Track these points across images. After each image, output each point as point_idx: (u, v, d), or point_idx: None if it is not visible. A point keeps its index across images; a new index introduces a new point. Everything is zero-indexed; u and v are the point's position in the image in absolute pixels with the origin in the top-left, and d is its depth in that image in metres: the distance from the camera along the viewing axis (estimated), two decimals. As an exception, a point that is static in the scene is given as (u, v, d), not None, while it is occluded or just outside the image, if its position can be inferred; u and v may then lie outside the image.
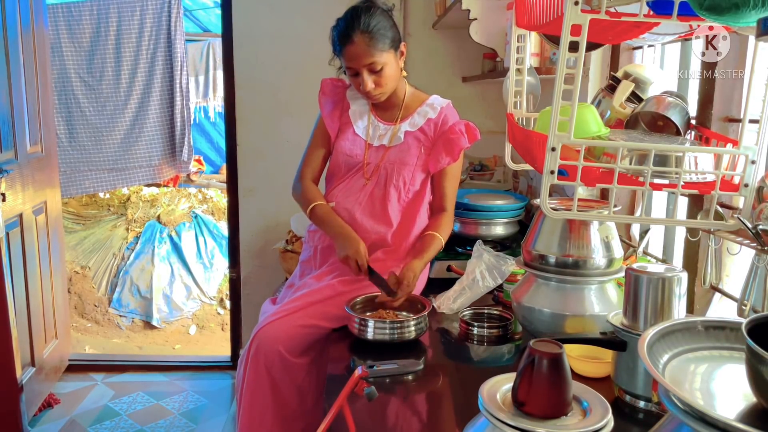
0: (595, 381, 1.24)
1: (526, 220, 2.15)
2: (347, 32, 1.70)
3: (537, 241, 1.40)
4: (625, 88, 1.41)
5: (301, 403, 1.71)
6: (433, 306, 1.65)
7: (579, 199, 1.18)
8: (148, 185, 4.58)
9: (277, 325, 1.65)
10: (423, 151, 1.85)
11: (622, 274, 1.35)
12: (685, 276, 1.11)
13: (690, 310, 1.44)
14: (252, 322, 3.15)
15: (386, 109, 1.89)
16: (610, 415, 0.84)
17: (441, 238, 1.79)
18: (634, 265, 1.14)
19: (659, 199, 1.86)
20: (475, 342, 1.53)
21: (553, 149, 1.04)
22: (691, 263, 1.50)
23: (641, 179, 1.09)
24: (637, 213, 1.87)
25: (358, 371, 1.15)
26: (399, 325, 1.48)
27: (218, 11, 3.90)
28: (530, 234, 1.44)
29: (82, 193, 4.26)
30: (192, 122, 4.48)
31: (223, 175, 4.20)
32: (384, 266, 1.76)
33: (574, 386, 0.87)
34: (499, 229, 2.14)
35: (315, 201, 1.84)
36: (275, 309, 1.73)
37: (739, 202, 1.19)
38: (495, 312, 1.61)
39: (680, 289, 1.10)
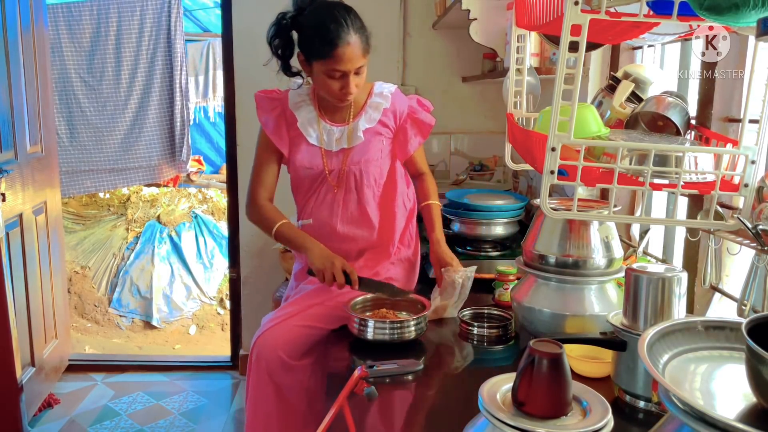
0: (595, 381, 1.24)
1: (526, 220, 2.15)
2: (340, 33, 1.59)
3: (537, 241, 1.40)
4: (625, 88, 1.41)
5: (310, 405, 1.71)
6: (432, 306, 1.64)
7: (579, 199, 1.18)
8: (148, 185, 4.58)
9: (275, 331, 1.65)
10: (385, 143, 1.82)
11: (622, 274, 1.35)
12: (685, 276, 1.11)
13: (690, 310, 1.44)
14: (252, 322, 3.16)
15: (335, 111, 1.79)
16: (610, 415, 0.84)
17: (438, 204, 1.92)
18: (634, 265, 1.14)
19: (659, 199, 1.86)
20: (475, 342, 1.53)
21: (553, 149, 1.04)
22: (691, 263, 1.50)
23: (641, 179, 1.09)
24: (637, 213, 1.87)
25: (358, 371, 1.15)
26: (399, 325, 1.48)
27: (218, 11, 3.89)
28: (530, 234, 1.44)
29: (82, 193, 4.26)
30: (192, 122, 4.48)
31: (223, 175, 4.20)
32: (371, 271, 1.78)
33: (574, 386, 0.87)
34: (499, 229, 2.14)
35: (277, 221, 1.77)
36: (272, 315, 1.73)
37: (739, 202, 1.19)
38: (495, 312, 1.61)
39: (680, 289, 1.10)
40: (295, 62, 1.75)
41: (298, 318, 1.66)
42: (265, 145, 1.82)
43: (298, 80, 1.79)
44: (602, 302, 1.35)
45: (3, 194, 2.45)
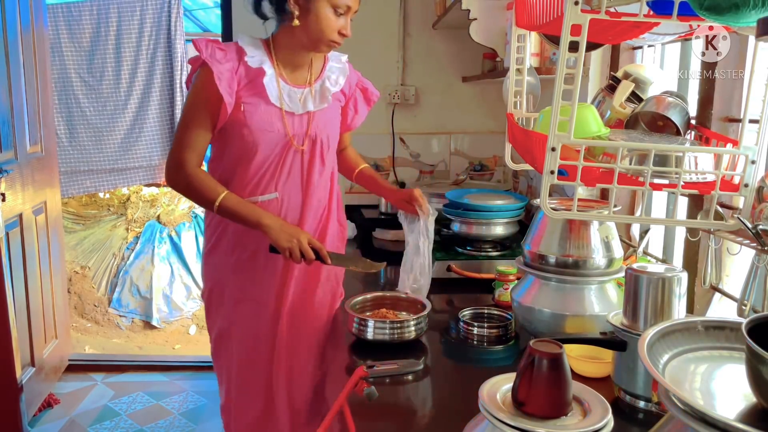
0: (595, 381, 1.24)
1: (526, 220, 2.15)
2: None
3: (537, 241, 1.40)
4: (625, 88, 1.41)
5: (310, 405, 1.73)
6: (432, 306, 1.64)
7: (579, 199, 1.18)
8: (148, 185, 4.58)
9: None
10: (338, 111, 1.75)
11: (622, 274, 1.35)
12: (685, 276, 1.11)
13: (690, 310, 1.44)
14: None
15: (295, 69, 1.63)
16: (610, 415, 0.84)
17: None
18: (634, 265, 1.14)
19: (659, 199, 1.86)
20: (475, 342, 1.53)
21: (553, 149, 1.04)
22: (691, 263, 1.50)
23: (641, 179, 1.09)
24: (637, 213, 1.87)
25: (358, 371, 1.15)
26: (399, 325, 1.48)
27: (218, 11, 3.90)
28: (530, 234, 1.44)
29: (82, 193, 4.26)
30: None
31: (223, 175, 4.19)
32: (333, 245, 1.76)
33: (574, 386, 0.87)
34: (499, 229, 2.14)
35: (219, 192, 1.53)
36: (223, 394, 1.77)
37: (739, 202, 1.19)
38: (495, 312, 1.61)
39: (680, 289, 1.10)
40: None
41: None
42: (203, 102, 1.54)
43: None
44: (602, 302, 1.35)
45: (3, 194, 2.45)
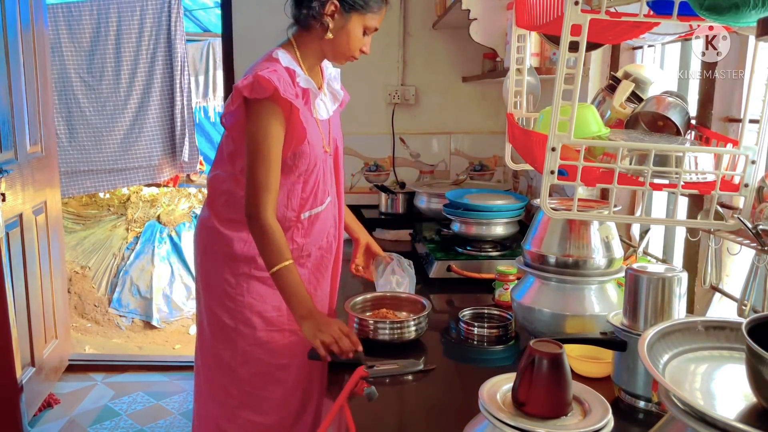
0: (595, 381, 1.24)
1: (526, 220, 2.15)
2: None
3: (537, 241, 1.40)
4: (625, 88, 1.41)
5: (309, 406, 1.72)
6: (432, 306, 1.65)
7: (579, 199, 1.18)
8: (148, 185, 4.58)
9: None
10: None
11: (622, 274, 1.35)
12: (685, 276, 1.11)
13: (690, 310, 1.44)
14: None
15: (313, 75, 1.64)
16: (610, 415, 0.84)
17: None
18: (634, 265, 1.14)
19: (659, 199, 1.86)
20: (475, 342, 1.53)
21: (553, 149, 1.04)
22: (691, 263, 1.50)
23: (641, 179, 1.09)
24: (637, 213, 1.87)
25: (358, 371, 1.15)
26: (399, 325, 1.48)
27: (218, 11, 3.90)
28: (530, 234, 1.44)
29: (82, 193, 4.26)
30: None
31: (223, 175, 4.19)
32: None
33: (574, 386, 0.87)
34: (499, 229, 2.14)
35: (283, 257, 1.48)
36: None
37: (739, 202, 1.19)
38: (495, 312, 1.61)
39: (680, 289, 1.10)
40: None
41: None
42: (277, 138, 1.50)
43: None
44: (602, 302, 1.35)
45: (3, 194, 2.45)
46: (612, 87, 1.45)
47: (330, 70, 1.72)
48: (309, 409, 1.73)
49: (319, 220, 1.67)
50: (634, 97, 1.41)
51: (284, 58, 1.57)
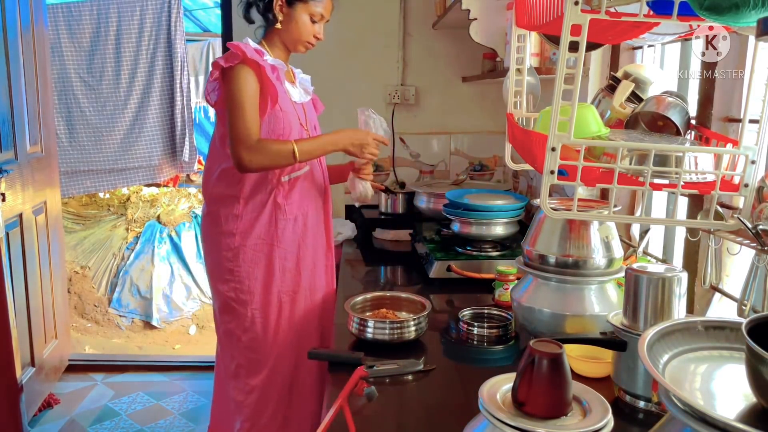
0: (595, 381, 1.24)
1: (526, 220, 2.15)
2: None
3: (537, 241, 1.40)
4: (625, 88, 1.41)
5: (309, 406, 1.95)
6: (432, 306, 1.65)
7: (579, 199, 1.18)
8: (148, 185, 4.58)
9: None
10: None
11: (622, 274, 1.35)
12: (685, 276, 1.11)
13: (690, 310, 1.44)
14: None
15: (285, 70, 1.91)
16: (610, 415, 0.84)
17: None
18: (634, 265, 1.14)
19: (659, 199, 1.86)
20: (475, 342, 1.53)
21: (553, 149, 1.04)
22: (691, 263, 1.50)
23: (641, 179, 1.09)
24: (637, 213, 1.87)
25: (358, 371, 1.15)
26: (399, 325, 1.48)
27: (218, 11, 3.90)
28: (530, 234, 1.44)
29: (82, 193, 4.26)
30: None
31: (223, 175, 4.19)
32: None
33: (574, 386, 0.87)
34: (499, 229, 2.14)
35: (288, 143, 1.74)
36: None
37: (739, 202, 1.19)
38: (495, 312, 1.61)
39: (680, 289, 1.10)
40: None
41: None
42: (252, 90, 1.74)
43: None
44: (602, 302, 1.35)
45: (3, 194, 2.45)
46: (612, 87, 1.45)
47: (301, 76, 2.00)
48: (303, 368, 1.91)
49: (299, 184, 1.89)
50: (634, 97, 1.41)
51: (253, 43, 1.82)
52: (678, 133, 1.30)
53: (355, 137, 1.84)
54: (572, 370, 0.89)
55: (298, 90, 1.93)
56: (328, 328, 1.96)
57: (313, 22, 1.81)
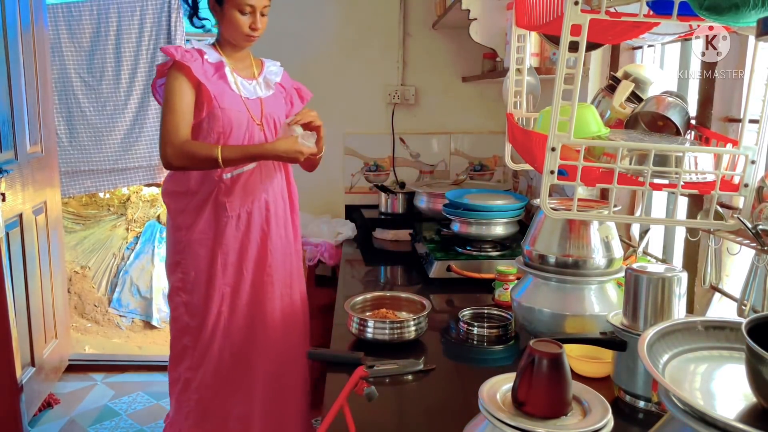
0: (595, 381, 1.24)
1: (526, 220, 2.15)
2: None
3: (537, 241, 1.40)
4: (625, 88, 1.41)
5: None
6: (432, 306, 1.64)
7: (579, 199, 1.18)
8: (148, 185, 4.57)
9: None
10: (282, 100, 2.06)
11: (622, 274, 1.35)
12: (685, 276, 1.11)
13: (690, 310, 1.44)
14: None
15: (242, 66, 1.97)
16: (610, 415, 0.84)
17: None
18: (634, 265, 1.14)
19: (659, 199, 1.86)
20: (475, 342, 1.53)
21: (553, 149, 1.04)
22: (691, 263, 1.50)
23: (641, 179, 1.09)
24: (637, 213, 1.87)
25: (358, 371, 1.15)
26: (399, 325, 1.48)
27: (218, 11, 3.88)
28: (530, 234, 1.44)
29: (82, 192, 4.25)
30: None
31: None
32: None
33: (574, 386, 0.87)
34: (499, 229, 2.14)
35: (213, 146, 1.80)
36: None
37: (739, 202, 1.18)
38: (495, 312, 1.61)
39: (680, 289, 1.10)
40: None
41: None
42: (182, 94, 1.82)
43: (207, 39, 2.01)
44: (602, 302, 1.35)
45: (3, 194, 2.45)
46: (612, 87, 1.45)
47: (271, 67, 2.03)
48: (261, 365, 1.99)
49: (241, 181, 1.92)
50: (634, 97, 1.41)
51: (201, 45, 1.93)
52: (678, 133, 1.30)
53: (286, 144, 1.83)
54: (572, 370, 0.89)
55: (255, 84, 1.96)
56: (297, 325, 2.08)
57: (246, 14, 1.84)
